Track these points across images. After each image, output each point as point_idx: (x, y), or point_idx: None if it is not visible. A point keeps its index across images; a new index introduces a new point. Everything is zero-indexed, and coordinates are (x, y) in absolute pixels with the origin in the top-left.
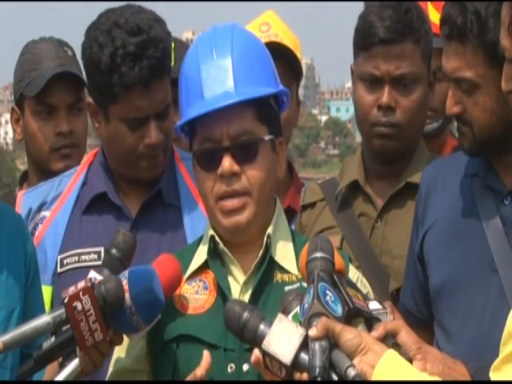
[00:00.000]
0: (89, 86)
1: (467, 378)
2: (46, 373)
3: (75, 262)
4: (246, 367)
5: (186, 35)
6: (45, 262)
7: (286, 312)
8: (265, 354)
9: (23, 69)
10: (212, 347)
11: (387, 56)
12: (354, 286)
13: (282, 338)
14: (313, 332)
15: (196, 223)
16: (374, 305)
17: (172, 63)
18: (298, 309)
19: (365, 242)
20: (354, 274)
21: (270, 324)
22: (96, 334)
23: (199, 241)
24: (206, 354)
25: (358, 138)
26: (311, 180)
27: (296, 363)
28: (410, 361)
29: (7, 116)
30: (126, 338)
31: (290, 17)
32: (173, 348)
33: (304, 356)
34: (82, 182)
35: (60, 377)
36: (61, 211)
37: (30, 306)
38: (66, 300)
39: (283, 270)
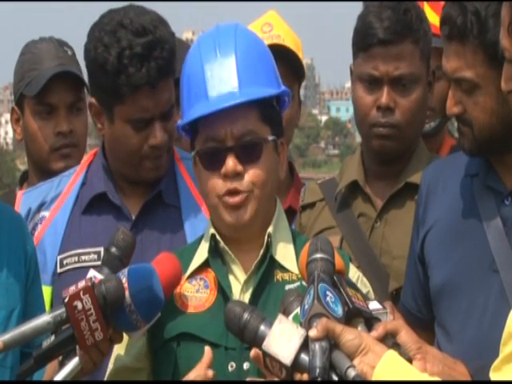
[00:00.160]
0: (92, 86)
1: (467, 377)
2: (46, 371)
3: (75, 263)
4: (246, 366)
5: (185, 35)
6: (44, 262)
7: (286, 313)
8: (265, 354)
9: (23, 69)
10: (213, 346)
11: (386, 57)
12: (354, 286)
13: (283, 339)
14: (313, 333)
15: (196, 223)
16: (373, 305)
17: None
18: (298, 310)
19: (364, 242)
20: (354, 273)
21: (270, 325)
22: (96, 333)
23: (200, 240)
24: (207, 349)
25: (358, 138)
26: (311, 180)
27: (296, 364)
28: (410, 361)
29: (7, 116)
30: (125, 336)
31: (290, 17)
32: (173, 346)
33: (304, 357)
34: (82, 182)
35: (60, 375)
36: (60, 211)
37: (30, 306)
38: (66, 299)
39: (284, 269)
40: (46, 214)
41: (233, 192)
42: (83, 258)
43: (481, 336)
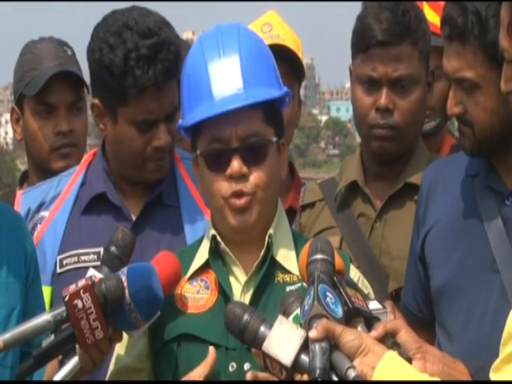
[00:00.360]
0: (96, 87)
1: (467, 377)
2: (46, 371)
3: (75, 263)
4: (247, 366)
5: (186, 35)
6: (44, 262)
7: (286, 314)
8: (265, 355)
9: (23, 68)
10: (213, 346)
11: (385, 58)
12: (354, 285)
13: (283, 340)
14: (313, 333)
15: (195, 224)
16: (373, 304)
17: None
18: (298, 310)
19: (364, 242)
20: (354, 274)
21: (270, 326)
22: (96, 332)
23: (200, 241)
24: (211, 349)
25: (358, 138)
26: (311, 180)
27: (296, 365)
28: (410, 360)
29: (7, 116)
30: (125, 336)
31: (290, 17)
32: (174, 347)
33: (304, 357)
34: (81, 182)
35: (59, 375)
36: (60, 211)
37: (30, 305)
38: (66, 298)
39: (284, 271)
40: (45, 214)
41: (238, 194)
42: (83, 258)
43: (481, 336)
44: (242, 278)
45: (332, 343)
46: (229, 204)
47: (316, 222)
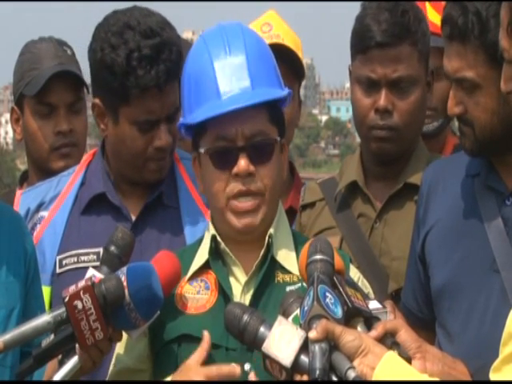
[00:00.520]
0: (97, 87)
1: (467, 377)
2: (46, 370)
3: (74, 263)
4: (247, 367)
5: (186, 35)
6: (43, 263)
7: (286, 314)
8: (265, 356)
9: (23, 68)
10: (213, 347)
11: (384, 59)
12: (354, 285)
13: (282, 341)
14: (313, 334)
15: (195, 224)
16: (373, 304)
17: None
18: (298, 311)
19: (364, 242)
20: (354, 274)
21: (269, 326)
22: (96, 332)
23: (200, 241)
24: (205, 334)
25: (358, 138)
26: (311, 180)
27: (296, 365)
28: (410, 359)
29: (7, 116)
30: (126, 336)
31: (290, 17)
32: (174, 348)
33: (304, 358)
34: (81, 182)
35: (59, 374)
36: (59, 211)
37: (30, 305)
38: (66, 299)
39: (285, 271)
40: (44, 214)
41: (244, 194)
42: (82, 258)
43: (482, 336)
44: (242, 278)
45: (332, 344)
46: (231, 207)
47: (316, 222)
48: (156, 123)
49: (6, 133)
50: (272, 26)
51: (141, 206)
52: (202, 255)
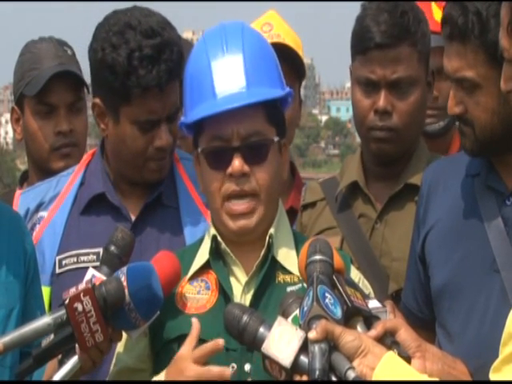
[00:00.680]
0: (98, 86)
1: (467, 376)
2: (46, 370)
3: (74, 263)
4: (247, 367)
5: (186, 35)
6: (43, 263)
7: (285, 315)
8: (264, 356)
9: (23, 68)
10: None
11: (383, 60)
12: (353, 284)
13: (282, 341)
14: (312, 334)
15: (195, 224)
16: (373, 303)
17: None
18: (297, 311)
19: (365, 243)
20: (355, 275)
21: (269, 327)
22: (97, 334)
23: (201, 241)
24: (194, 321)
25: (358, 138)
26: (311, 180)
27: (296, 366)
28: (409, 359)
29: (7, 116)
30: (126, 336)
31: (290, 17)
32: (174, 348)
33: (304, 358)
34: (80, 182)
35: (59, 374)
36: (59, 211)
37: (30, 305)
38: (66, 301)
39: (285, 271)
40: (44, 214)
41: (238, 194)
42: (82, 258)
43: (482, 336)
44: (243, 278)
45: (331, 344)
46: (226, 209)
47: (317, 222)
48: (157, 123)
49: (6, 133)
50: (272, 26)
51: (140, 206)
52: (202, 255)
